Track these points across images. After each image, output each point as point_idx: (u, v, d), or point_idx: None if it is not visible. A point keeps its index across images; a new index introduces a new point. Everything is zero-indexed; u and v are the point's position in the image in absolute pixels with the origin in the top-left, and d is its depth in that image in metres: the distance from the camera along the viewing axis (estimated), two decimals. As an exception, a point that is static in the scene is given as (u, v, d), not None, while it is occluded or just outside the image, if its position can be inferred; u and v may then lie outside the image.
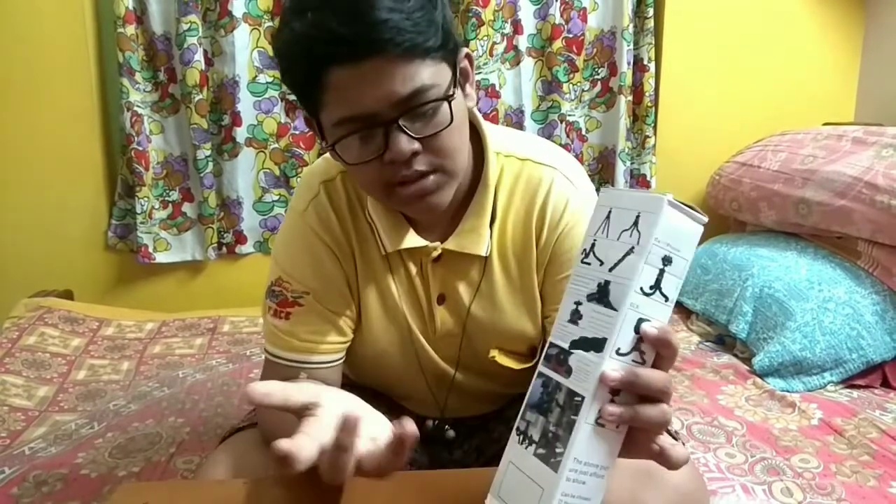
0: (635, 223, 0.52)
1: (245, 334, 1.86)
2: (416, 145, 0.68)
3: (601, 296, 0.53)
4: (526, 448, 0.55)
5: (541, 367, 0.57)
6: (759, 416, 1.38)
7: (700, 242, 2.01)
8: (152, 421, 1.32)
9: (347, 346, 0.87)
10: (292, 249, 0.84)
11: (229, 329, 1.90)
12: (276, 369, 0.83)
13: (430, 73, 0.67)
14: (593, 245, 0.55)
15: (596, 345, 0.53)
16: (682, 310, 2.01)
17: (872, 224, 1.63)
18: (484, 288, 0.84)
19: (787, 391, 1.50)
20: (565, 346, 0.55)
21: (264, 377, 0.86)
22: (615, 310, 0.52)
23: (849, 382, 1.54)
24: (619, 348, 0.52)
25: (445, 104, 0.69)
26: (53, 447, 1.23)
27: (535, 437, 0.55)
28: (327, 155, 0.88)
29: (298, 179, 2.12)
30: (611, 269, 0.53)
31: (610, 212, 0.55)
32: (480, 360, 0.88)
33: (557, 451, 0.52)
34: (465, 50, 0.74)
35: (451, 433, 0.99)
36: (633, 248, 0.52)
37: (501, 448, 0.96)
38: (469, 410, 0.98)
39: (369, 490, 0.68)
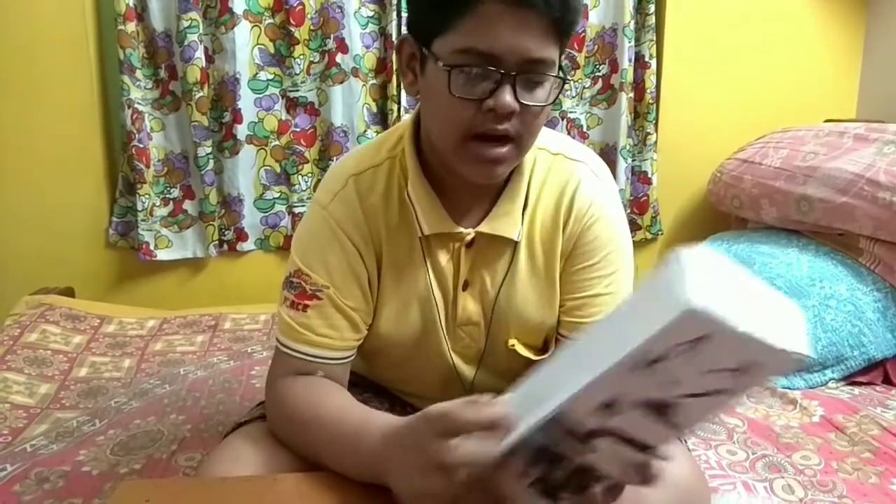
0: (747, 370, 0.44)
1: (246, 331, 1.86)
2: (517, 106, 0.71)
3: (658, 409, 0.47)
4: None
5: (533, 434, 0.52)
6: (760, 412, 1.38)
7: (701, 240, 1.98)
8: (154, 418, 1.32)
9: (360, 342, 0.87)
10: (314, 242, 0.84)
11: (230, 326, 1.90)
12: (288, 361, 0.84)
13: (555, 53, 0.72)
14: (662, 359, 0.43)
15: (639, 445, 0.50)
16: (683, 307, 2.01)
17: (874, 221, 1.63)
18: (511, 275, 0.86)
19: (789, 388, 1.50)
20: (588, 425, 0.50)
21: (274, 367, 0.86)
22: (675, 429, 0.49)
23: (850, 379, 1.54)
24: None
25: (556, 85, 0.74)
26: (55, 444, 1.23)
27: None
28: (355, 153, 0.90)
29: (300, 177, 2.12)
30: (687, 396, 0.46)
31: (705, 340, 0.42)
32: (497, 354, 0.89)
33: None
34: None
35: None
36: (730, 390, 0.45)
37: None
38: None
39: (370, 488, 0.68)
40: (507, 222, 0.83)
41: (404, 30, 0.84)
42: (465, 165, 0.77)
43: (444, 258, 0.85)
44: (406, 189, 0.83)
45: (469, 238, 0.84)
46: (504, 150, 0.74)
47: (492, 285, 0.86)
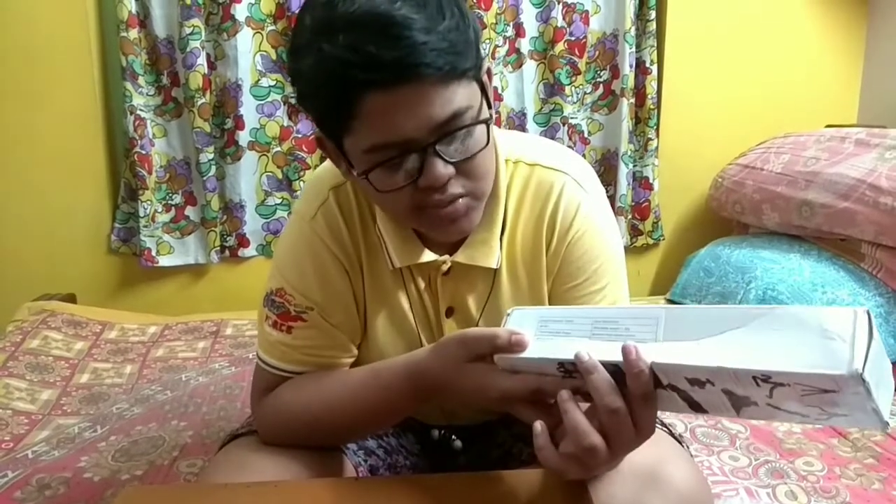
0: (836, 415, 0.48)
1: (248, 338, 1.86)
2: (452, 170, 0.66)
3: (737, 400, 0.52)
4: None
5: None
6: (762, 418, 1.38)
7: (703, 245, 1.98)
8: (155, 424, 1.32)
9: (351, 362, 0.85)
10: (298, 260, 0.80)
11: (232, 332, 1.90)
12: (273, 379, 0.82)
13: (465, 95, 0.65)
14: (784, 386, 0.48)
15: (694, 405, 0.56)
16: (685, 312, 2.01)
17: (876, 226, 1.63)
18: (493, 300, 0.83)
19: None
20: (670, 382, 0.55)
21: (258, 385, 0.84)
22: (736, 415, 0.53)
23: (853, 385, 1.53)
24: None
25: (482, 126, 0.67)
26: (56, 451, 1.23)
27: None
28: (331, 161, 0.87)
29: (302, 183, 2.13)
30: (773, 406, 0.50)
31: (832, 393, 0.47)
32: None
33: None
34: (486, 65, 0.72)
35: (458, 443, 0.98)
36: (808, 417, 0.50)
37: (505, 453, 0.96)
38: (476, 419, 0.96)
39: (371, 495, 0.67)
40: (483, 251, 0.79)
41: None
42: (429, 231, 0.74)
43: (422, 284, 0.83)
44: (376, 223, 0.80)
45: (445, 267, 0.80)
46: (460, 205, 0.69)
47: (475, 311, 0.83)
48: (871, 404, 0.46)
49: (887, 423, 0.47)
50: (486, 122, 0.68)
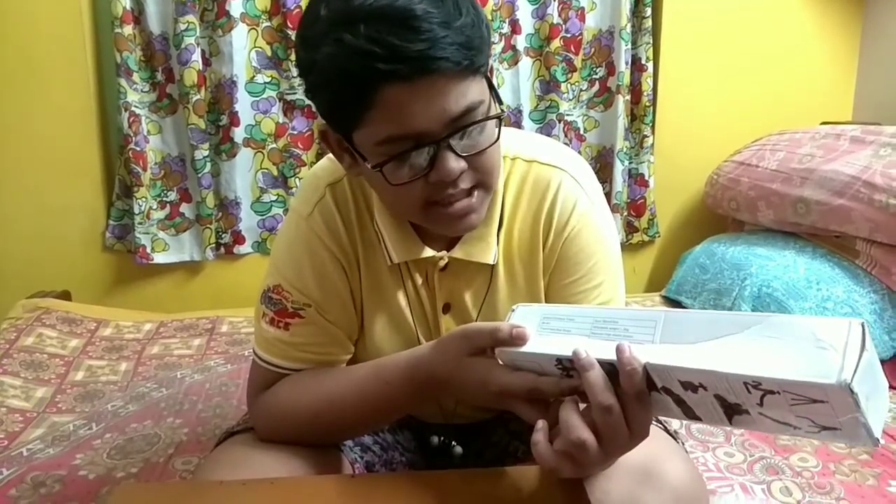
0: (826, 429, 0.49)
1: (243, 335, 1.85)
2: (464, 164, 0.67)
3: (730, 407, 0.52)
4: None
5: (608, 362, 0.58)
6: (757, 415, 1.38)
7: (698, 242, 1.98)
8: (150, 422, 1.32)
9: (348, 359, 0.85)
10: (295, 257, 0.80)
11: (227, 329, 1.89)
12: (271, 376, 0.82)
13: (478, 90, 0.66)
14: (774, 394, 0.49)
15: (689, 411, 0.57)
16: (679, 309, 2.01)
17: (870, 223, 1.63)
18: (490, 296, 0.83)
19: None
20: (664, 384, 0.56)
21: (255, 382, 0.84)
22: (730, 424, 0.54)
23: (847, 381, 1.54)
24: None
25: (493, 122, 0.68)
26: (51, 448, 1.23)
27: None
28: (328, 158, 0.85)
29: (297, 180, 2.12)
30: (763, 415, 0.51)
31: (822, 403, 0.47)
32: None
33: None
34: (491, 62, 0.72)
35: (459, 449, 0.98)
36: (799, 429, 0.50)
37: (501, 451, 0.96)
38: (475, 418, 0.96)
39: (367, 492, 0.67)
40: (480, 247, 0.80)
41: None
42: (435, 226, 0.74)
43: (419, 280, 0.83)
44: (374, 218, 0.80)
45: (443, 263, 0.81)
46: (471, 200, 0.71)
47: (472, 307, 0.83)
48: (861, 418, 0.46)
49: (878, 440, 0.47)
50: (498, 117, 0.69)
